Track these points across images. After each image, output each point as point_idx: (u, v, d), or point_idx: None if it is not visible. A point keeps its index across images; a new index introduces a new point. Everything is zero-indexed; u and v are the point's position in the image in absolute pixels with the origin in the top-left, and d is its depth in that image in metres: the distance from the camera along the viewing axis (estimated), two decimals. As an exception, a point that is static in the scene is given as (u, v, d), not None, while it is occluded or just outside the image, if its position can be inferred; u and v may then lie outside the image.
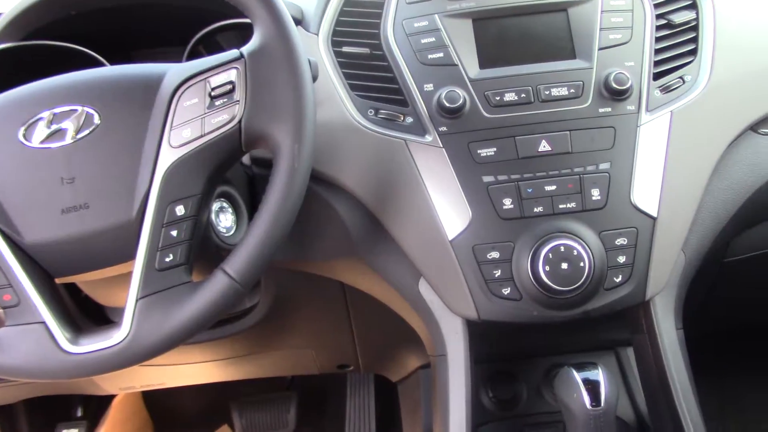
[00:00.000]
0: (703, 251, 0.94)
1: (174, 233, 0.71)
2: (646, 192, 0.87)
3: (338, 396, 1.65)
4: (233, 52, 0.74)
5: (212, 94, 0.73)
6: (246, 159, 0.98)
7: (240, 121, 0.72)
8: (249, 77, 0.73)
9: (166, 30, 1.07)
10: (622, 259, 0.87)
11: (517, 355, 1.03)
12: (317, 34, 0.95)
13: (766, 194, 0.96)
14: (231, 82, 0.73)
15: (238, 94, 0.73)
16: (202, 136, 0.72)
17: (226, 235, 0.89)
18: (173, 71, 0.75)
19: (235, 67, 0.73)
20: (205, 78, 0.74)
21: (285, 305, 1.09)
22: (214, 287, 0.70)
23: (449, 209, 0.88)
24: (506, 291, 0.86)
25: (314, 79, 0.86)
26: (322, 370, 1.39)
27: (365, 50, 0.94)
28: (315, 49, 0.94)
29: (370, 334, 1.22)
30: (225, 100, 0.73)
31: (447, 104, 0.88)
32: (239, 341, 1.15)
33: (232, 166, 0.81)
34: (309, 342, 1.26)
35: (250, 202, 0.95)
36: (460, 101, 0.88)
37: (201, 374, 1.32)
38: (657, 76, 0.92)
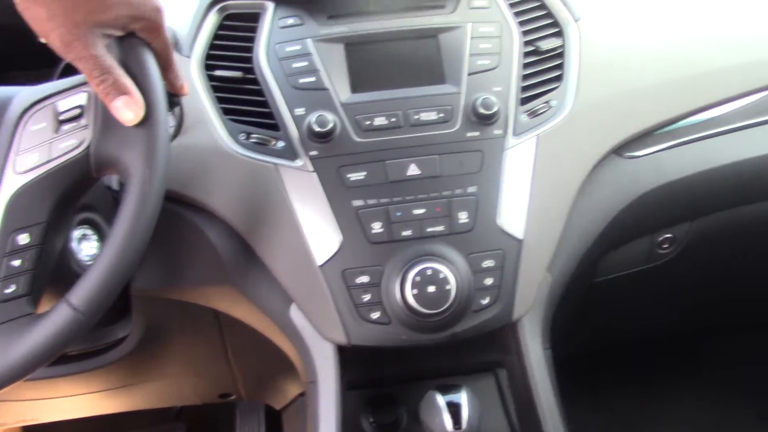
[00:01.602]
0: (569, 272, 0.96)
1: (16, 263, 0.68)
2: (512, 214, 0.89)
3: (228, 426, 1.62)
4: (82, 77, 0.72)
5: (60, 118, 0.71)
6: (116, 184, 0.95)
7: (89, 146, 0.70)
8: (98, 101, 0.71)
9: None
10: (489, 281, 0.88)
11: (398, 379, 1.03)
12: (190, 57, 0.94)
13: (629, 215, 1.00)
14: (80, 106, 0.71)
15: (87, 119, 0.71)
16: (48, 162, 0.70)
17: (89, 263, 0.86)
18: (22, 95, 0.73)
19: (85, 91, 0.71)
20: (53, 102, 0.71)
21: (158, 334, 1.06)
22: (56, 319, 0.67)
23: (319, 234, 0.87)
24: (375, 315, 0.86)
25: (177, 104, 0.85)
26: (204, 400, 1.35)
27: (238, 74, 0.93)
28: (187, 72, 0.92)
29: (247, 361, 1.20)
30: (74, 124, 0.71)
31: (317, 129, 0.88)
32: (113, 372, 1.11)
33: (86, 192, 0.78)
34: (187, 371, 1.23)
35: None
36: (331, 125, 0.88)
37: (78, 408, 1.27)
38: (524, 101, 0.94)
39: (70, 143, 0.70)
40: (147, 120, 0.69)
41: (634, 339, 1.57)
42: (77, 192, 0.74)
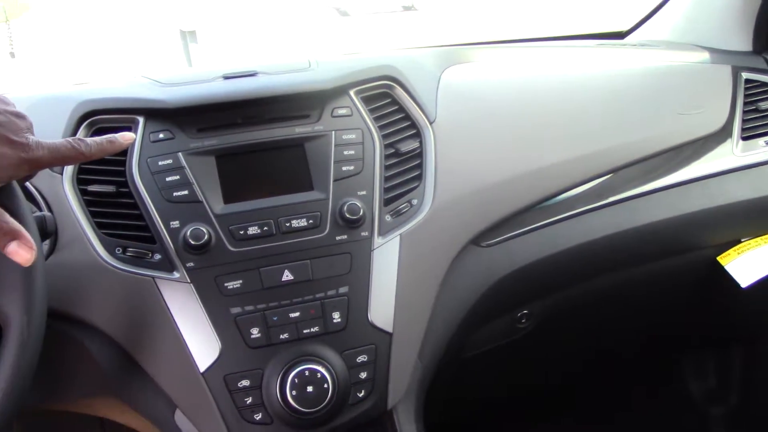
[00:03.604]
0: (438, 356, 1.04)
1: None
2: (381, 310, 0.96)
3: None
4: None
5: None
6: None
7: None
8: None
9: None
10: (363, 375, 0.94)
11: None
12: (62, 174, 0.95)
13: (488, 299, 1.09)
14: None
15: None
16: None
17: None
18: None
19: None
20: None
21: (41, 446, 1.06)
22: None
23: (200, 342, 0.91)
24: (258, 416, 0.91)
25: (51, 234, 0.87)
26: None
27: (111, 188, 0.95)
28: (59, 189, 0.94)
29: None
30: None
31: (192, 241, 0.91)
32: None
33: None
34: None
35: None
36: (206, 237, 0.92)
37: None
38: (387, 202, 1.01)
39: None
40: (25, 269, 0.71)
41: (508, 400, 1.67)
42: None
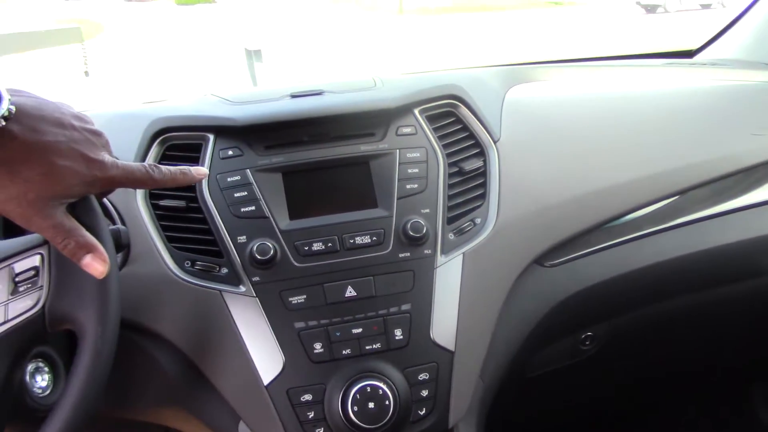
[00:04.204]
0: (499, 375, 1.03)
1: None
2: (443, 328, 0.96)
3: None
4: (36, 237, 0.77)
5: (16, 279, 0.75)
6: None
7: (44, 306, 0.75)
8: (53, 262, 0.76)
9: None
10: (425, 393, 0.94)
11: None
12: (135, 189, 0.99)
13: (551, 320, 1.07)
14: (35, 268, 0.76)
15: (42, 280, 0.75)
16: (5, 323, 0.74)
17: (42, 395, 0.89)
18: None
19: (40, 253, 0.76)
20: (9, 264, 0.76)
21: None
22: None
23: (264, 355, 0.92)
24: (319, 431, 0.91)
25: (124, 247, 0.90)
26: None
27: (182, 203, 0.98)
28: (133, 203, 0.98)
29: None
30: (29, 285, 0.75)
31: (258, 257, 0.93)
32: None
33: (40, 345, 0.82)
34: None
35: (69, 361, 0.95)
36: (271, 253, 0.94)
37: None
38: (451, 221, 1.01)
39: (26, 304, 0.75)
40: (100, 282, 0.74)
41: (570, 421, 1.65)
42: (32, 346, 0.78)
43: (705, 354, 1.49)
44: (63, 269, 0.75)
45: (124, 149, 1.02)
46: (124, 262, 0.96)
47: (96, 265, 0.72)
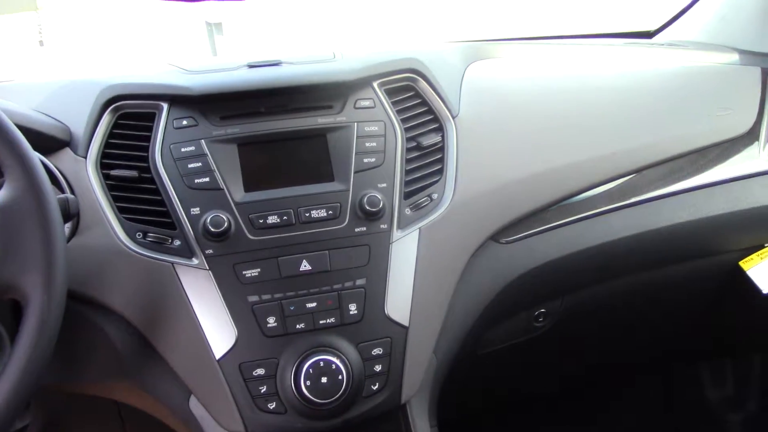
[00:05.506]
0: (453, 352, 1.04)
1: None
2: (398, 304, 0.96)
3: None
4: None
5: None
6: None
7: None
8: None
9: None
10: (378, 368, 0.94)
11: None
12: (85, 158, 0.96)
13: (505, 296, 1.08)
14: None
15: None
16: None
17: None
18: None
19: None
20: None
21: (58, 426, 1.07)
22: None
23: (216, 329, 0.91)
24: (272, 405, 0.91)
25: (73, 216, 0.88)
26: None
27: (134, 173, 0.96)
28: (83, 172, 0.95)
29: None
30: None
31: (212, 228, 0.92)
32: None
33: None
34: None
35: (14, 333, 0.93)
36: (225, 225, 0.92)
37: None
38: (407, 195, 1.01)
39: None
40: (44, 245, 0.72)
41: (521, 399, 1.67)
42: None
43: (654, 333, 1.51)
44: (8, 235, 0.73)
45: (74, 118, 0.99)
46: (74, 233, 0.93)
47: None
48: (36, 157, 0.77)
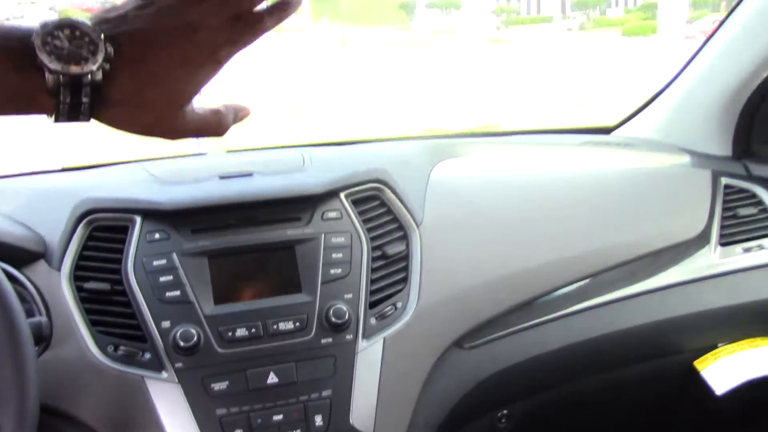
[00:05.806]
0: None
1: None
2: (362, 413, 0.98)
3: None
4: None
5: None
6: None
7: None
8: None
9: None
10: None
11: None
12: (60, 271, 0.99)
13: (470, 399, 1.11)
14: None
15: None
16: None
17: None
18: None
19: None
20: None
21: None
22: None
23: None
24: None
25: (46, 338, 0.90)
26: None
27: (106, 286, 0.98)
28: (57, 286, 0.97)
29: None
30: None
31: (182, 342, 0.94)
32: None
33: None
34: None
35: None
36: (195, 339, 0.94)
37: None
38: (372, 305, 1.03)
39: None
40: (17, 375, 0.74)
41: None
42: None
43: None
44: None
45: (49, 229, 1.02)
46: (47, 346, 0.95)
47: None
48: (8, 287, 0.79)
